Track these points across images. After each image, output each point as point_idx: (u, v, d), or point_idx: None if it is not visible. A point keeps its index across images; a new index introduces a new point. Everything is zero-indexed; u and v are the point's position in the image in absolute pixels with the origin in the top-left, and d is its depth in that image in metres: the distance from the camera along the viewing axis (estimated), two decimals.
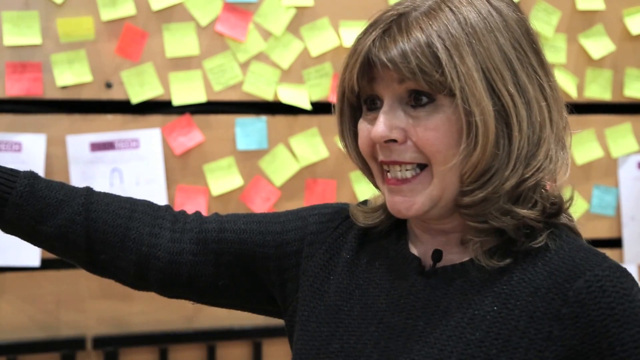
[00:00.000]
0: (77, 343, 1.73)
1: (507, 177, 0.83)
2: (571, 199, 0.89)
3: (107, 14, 1.76)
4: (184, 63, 1.81)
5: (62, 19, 1.74)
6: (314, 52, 1.86)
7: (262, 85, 1.85)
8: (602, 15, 2.01)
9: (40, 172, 1.70)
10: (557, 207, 0.87)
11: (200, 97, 1.81)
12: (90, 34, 1.75)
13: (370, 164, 0.90)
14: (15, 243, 1.68)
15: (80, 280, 1.76)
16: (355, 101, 0.90)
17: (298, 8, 1.86)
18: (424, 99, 0.82)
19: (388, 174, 0.87)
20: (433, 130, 0.82)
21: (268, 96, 1.85)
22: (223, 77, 1.83)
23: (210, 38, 1.82)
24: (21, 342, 1.71)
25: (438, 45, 0.80)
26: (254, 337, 1.82)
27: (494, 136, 0.81)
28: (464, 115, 0.81)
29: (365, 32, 0.86)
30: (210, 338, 1.80)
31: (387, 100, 0.85)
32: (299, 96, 1.85)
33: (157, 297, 1.81)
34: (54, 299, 1.75)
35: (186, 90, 1.81)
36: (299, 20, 1.86)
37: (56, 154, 1.74)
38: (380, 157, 0.86)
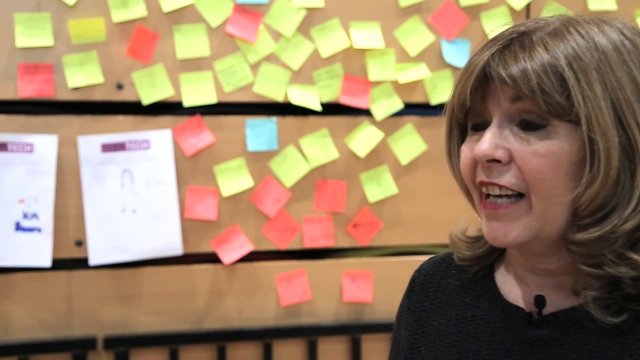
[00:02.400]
0: (88, 343, 1.74)
1: (627, 216, 0.76)
2: None
3: (118, 16, 1.77)
4: (194, 64, 1.81)
5: (74, 21, 1.74)
6: (325, 53, 1.86)
7: (272, 86, 1.85)
8: (614, 15, 2.00)
9: (52, 173, 1.71)
10: None
11: (211, 98, 1.82)
12: (101, 35, 1.76)
13: (470, 188, 0.86)
14: (27, 244, 1.70)
15: (91, 280, 1.77)
16: (463, 120, 0.85)
17: (308, 9, 1.86)
18: (537, 124, 0.77)
19: (487, 198, 0.82)
20: (543, 156, 0.76)
21: (278, 97, 1.85)
22: (233, 78, 1.83)
23: (221, 39, 1.82)
24: (32, 343, 1.72)
25: (565, 66, 0.75)
26: (264, 337, 1.82)
27: (617, 169, 0.75)
28: (588, 144, 0.75)
29: (484, 47, 0.82)
30: (221, 339, 1.80)
31: (496, 119, 0.80)
32: (309, 97, 1.85)
33: (167, 298, 1.83)
34: (65, 300, 1.76)
35: (197, 91, 1.81)
36: (310, 21, 1.86)
37: (67, 154, 1.75)
38: (480, 177, 0.82)
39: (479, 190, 0.83)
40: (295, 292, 1.85)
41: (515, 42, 0.79)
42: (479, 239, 0.94)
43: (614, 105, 0.75)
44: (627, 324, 0.78)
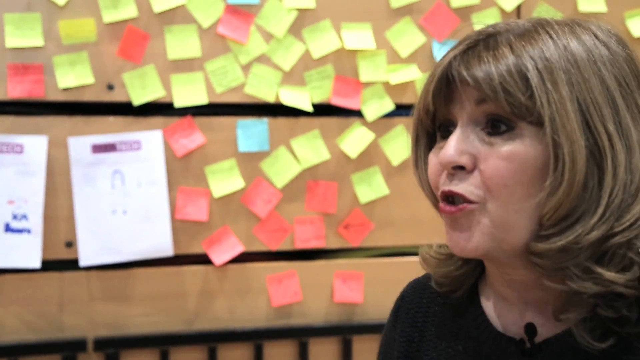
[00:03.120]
0: (78, 345, 1.73)
1: (592, 226, 0.71)
2: None
3: (109, 16, 1.76)
4: (185, 65, 1.81)
5: (64, 21, 1.74)
6: (316, 54, 1.87)
7: (263, 87, 1.85)
8: (603, 17, 2.01)
9: (42, 174, 1.71)
10: None
11: (202, 99, 1.81)
12: (92, 35, 1.76)
13: (438, 196, 0.81)
14: (16, 245, 1.69)
15: (81, 281, 1.76)
16: (430, 127, 0.82)
17: (300, 10, 1.86)
18: (503, 127, 0.73)
19: (445, 203, 0.78)
20: (506, 159, 0.72)
21: (269, 98, 1.85)
22: (225, 79, 1.83)
23: (212, 40, 1.82)
24: (22, 344, 1.71)
25: (529, 65, 0.72)
26: (255, 339, 1.82)
27: (583, 175, 0.71)
28: (552, 148, 0.71)
29: (449, 50, 0.78)
30: (211, 340, 1.80)
31: (460, 122, 0.76)
32: (301, 98, 1.85)
33: (157, 299, 1.82)
34: (55, 301, 1.75)
35: (188, 92, 1.81)
36: (301, 22, 1.86)
37: (58, 155, 1.74)
38: (441, 188, 0.78)
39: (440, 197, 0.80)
40: (286, 293, 1.85)
41: (481, 43, 0.76)
42: (452, 255, 0.89)
43: (581, 107, 0.71)
44: (618, 349, 0.73)
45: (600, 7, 2.01)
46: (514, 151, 0.72)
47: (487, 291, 0.88)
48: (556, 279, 0.73)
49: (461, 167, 0.76)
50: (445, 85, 0.77)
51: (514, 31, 0.76)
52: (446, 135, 0.79)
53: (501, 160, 0.73)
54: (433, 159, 0.80)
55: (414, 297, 0.96)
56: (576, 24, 0.78)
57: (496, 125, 0.74)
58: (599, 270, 0.71)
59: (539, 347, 0.79)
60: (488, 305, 0.87)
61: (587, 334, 0.74)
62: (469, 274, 0.88)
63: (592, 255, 0.72)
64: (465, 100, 0.76)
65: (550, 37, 0.74)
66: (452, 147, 0.75)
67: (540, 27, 0.76)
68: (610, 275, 0.70)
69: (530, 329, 0.79)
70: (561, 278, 0.73)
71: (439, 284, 0.91)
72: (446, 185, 0.77)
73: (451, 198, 0.77)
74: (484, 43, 0.76)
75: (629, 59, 0.77)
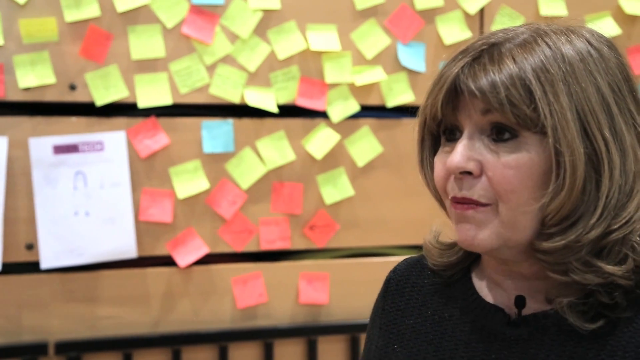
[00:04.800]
0: (39, 348, 1.71)
1: (592, 225, 0.77)
2: None
3: (71, 15, 1.74)
4: (149, 65, 1.80)
5: (25, 20, 1.71)
6: (281, 56, 1.86)
7: (228, 88, 1.84)
8: (564, 21, 2.04)
9: (2, 175, 1.68)
10: None
11: (166, 100, 1.80)
12: (53, 35, 1.73)
13: (444, 199, 0.86)
14: None
15: (42, 284, 1.73)
16: (435, 130, 0.86)
17: (265, 11, 1.86)
18: (507, 135, 0.78)
19: (456, 203, 0.82)
20: (513, 168, 0.78)
21: (235, 99, 1.84)
22: (189, 79, 1.82)
23: (177, 40, 1.81)
24: None
25: (532, 79, 0.77)
26: (220, 340, 1.81)
27: (582, 180, 0.76)
28: (554, 156, 0.76)
29: (454, 59, 0.83)
30: (176, 342, 1.79)
31: (467, 130, 0.81)
32: (266, 99, 1.85)
33: (121, 301, 1.80)
34: (15, 304, 1.72)
35: (152, 92, 1.79)
36: (266, 23, 1.86)
37: (18, 156, 1.71)
38: (451, 193, 0.83)
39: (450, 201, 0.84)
40: (252, 294, 1.85)
41: (485, 54, 0.80)
42: (452, 245, 0.95)
43: (580, 116, 0.77)
44: (605, 330, 0.79)
45: (561, 10, 2.04)
46: (520, 160, 0.78)
47: (479, 274, 0.93)
48: (559, 271, 0.79)
49: (468, 173, 0.80)
50: (453, 95, 0.81)
51: (514, 41, 0.81)
52: (451, 138, 0.84)
53: (508, 169, 0.78)
54: (439, 163, 0.85)
55: (405, 270, 1.01)
56: (570, 31, 0.83)
57: (501, 132, 0.79)
58: (599, 263, 0.77)
59: (524, 319, 0.83)
60: (479, 283, 0.92)
61: (578, 316, 0.79)
62: (465, 259, 0.94)
63: (592, 250, 0.78)
64: (471, 110, 0.80)
65: (549, 46, 0.79)
66: (460, 154, 0.80)
67: (539, 36, 0.81)
68: (609, 268, 0.77)
69: (519, 300, 0.84)
70: (564, 271, 0.79)
71: (435, 264, 0.96)
72: (457, 192, 0.82)
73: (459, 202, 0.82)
74: (488, 54, 0.80)
75: (619, 64, 0.83)
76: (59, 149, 1.73)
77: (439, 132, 0.86)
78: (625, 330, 0.78)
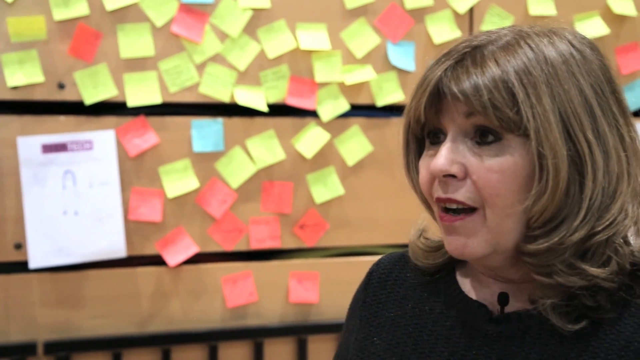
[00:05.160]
0: (27, 349, 1.70)
1: (575, 227, 0.77)
2: None
3: (59, 14, 1.73)
4: (138, 64, 1.79)
5: (13, 18, 1.70)
6: (271, 54, 1.86)
7: (218, 87, 1.83)
8: (553, 20, 2.05)
9: None
10: (638, 266, 0.80)
11: (156, 99, 1.79)
12: (42, 33, 1.72)
13: (430, 202, 0.86)
14: None
15: (31, 284, 1.72)
16: (420, 133, 0.86)
17: (255, 10, 1.86)
18: (491, 137, 0.78)
19: (445, 213, 0.82)
20: (497, 172, 0.78)
21: (224, 98, 1.84)
22: (179, 78, 1.81)
23: (166, 39, 1.80)
24: None
25: (515, 81, 0.76)
26: (210, 340, 1.81)
27: (565, 182, 0.76)
28: (537, 158, 0.76)
29: (437, 62, 0.82)
30: (165, 342, 1.78)
31: (451, 134, 0.81)
32: (256, 98, 1.85)
33: (110, 300, 1.80)
34: (3, 304, 1.71)
35: (141, 91, 1.79)
36: (256, 22, 1.86)
37: (7, 155, 1.71)
38: (436, 194, 0.83)
39: (437, 205, 0.84)
40: (242, 293, 1.85)
41: (468, 57, 0.80)
42: (439, 247, 0.94)
43: (563, 118, 0.77)
44: (588, 330, 0.79)
45: (550, 10, 2.05)
46: (504, 164, 0.77)
47: (464, 272, 0.93)
48: (543, 273, 0.79)
49: (452, 176, 0.80)
50: (437, 98, 0.81)
51: (497, 43, 0.80)
52: (435, 141, 0.84)
53: (492, 173, 0.78)
54: (423, 166, 0.85)
55: (389, 263, 1.01)
56: (553, 33, 0.83)
57: (484, 135, 0.79)
58: (583, 266, 0.77)
59: (507, 316, 0.83)
60: (463, 279, 0.92)
61: (560, 317, 0.79)
62: (451, 260, 0.93)
63: (576, 252, 0.78)
64: (455, 113, 0.80)
65: (531, 49, 0.79)
66: (443, 157, 0.80)
67: (521, 38, 0.81)
68: (593, 270, 0.77)
69: (503, 297, 0.84)
70: (548, 273, 0.79)
71: (422, 265, 0.96)
72: (442, 193, 0.82)
73: (445, 205, 0.82)
74: (471, 57, 0.80)
75: (602, 65, 0.83)
76: (48, 148, 1.72)
77: (423, 135, 0.86)
78: (608, 332, 0.78)
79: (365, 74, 1.91)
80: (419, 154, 0.88)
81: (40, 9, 1.72)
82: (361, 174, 1.94)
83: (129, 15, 1.78)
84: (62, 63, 1.74)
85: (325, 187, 1.90)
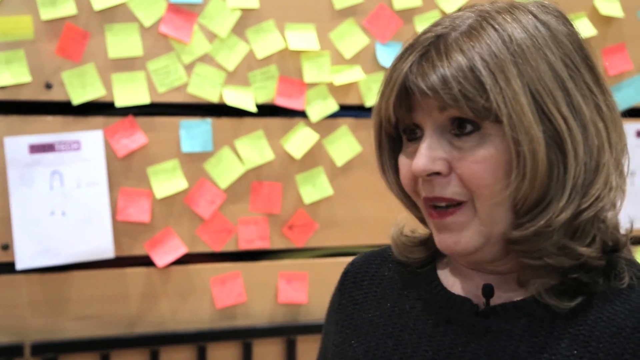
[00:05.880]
0: (14, 350, 1.69)
1: (561, 208, 0.74)
2: (631, 231, 0.82)
3: (46, 13, 1.72)
4: (127, 64, 1.78)
5: (0, 18, 1.69)
6: (260, 55, 1.86)
7: (207, 87, 1.83)
8: None
9: None
10: (617, 242, 0.79)
11: (144, 99, 1.79)
12: (29, 33, 1.71)
13: (415, 200, 0.83)
14: None
15: (18, 285, 1.71)
16: (393, 132, 0.83)
17: (243, 10, 1.85)
18: (469, 127, 0.75)
19: (433, 209, 0.80)
20: (480, 162, 0.75)
21: (213, 98, 1.83)
22: (167, 78, 1.81)
23: (154, 39, 1.80)
24: None
25: (482, 68, 0.73)
26: (199, 340, 1.80)
27: (546, 166, 0.74)
28: (513, 144, 0.74)
29: (401, 57, 0.79)
30: (154, 343, 1.78)
31: (428, 130, 0.78)
32: (245, 98, 1.84)
33: (98, 301, 1.79)
34: None
35: (129, 91, 1.78)
36: (245, 22, 1.86)
37: None
38: (423, 194, 0.80)
39: (424, 202, 0.81)
40: (230, 294, 1.84)
41: (432, 48, 0.77)
42: (424, 242, 0.92)
43: (535, 97, 0.74)
44: (578, 312, 0.77)
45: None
46: (486, 153, 0.75)
47: (445, 265, 0.90)
48: (535, 257, 0.77)
49: (437, 173, 0.78)
50: (405, 96, 0.78)
51: (460, 29, 0.77)
52: (412, 137, 0.81)
53: (476, 164, 0.75)
54: (404, 164, 0.82)
55: (364, 262, 0.98)
56: (515, 8, 0.80)
57: (462, 126, 0.76)
58: (572, 245, 0.75)
59: (493, 309, 0.80)
60: (444, 274, 0.89)
61: (556, 296, 0.77)
62: (436, 252, 0.90)
63: (565, 233, 0.76)
64: (427, 109, 0.77)
65: (495, 29, 0.76)
66: (424, 156, 0.77)
67: (484, 19, 0.78)
68: (582, 249, 0.75)
69: (487, 289, 0.81)
70: (538, 256, 0.77)
71: (406, 260, 0.93)
72: (429, 192, 0.79)
73: (431, 203, 0.80)
74: (435, 49, 0.77)
75: (570, 33, 0.80)
76: (35, 149, 1.71)
77: (397, 134, 0.83)
78: (598, 320, 0.76)
79: (354, 74, 1.91)
80: (394, 152, 0.85)
81: (27, 8, 1.71)
82: (350, 175, 1.94)
83: (117, 15, 1.77)
84: (49, 63, 1.73)
85: (314, 188, 1.90)
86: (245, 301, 1.86)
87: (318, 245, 1.92)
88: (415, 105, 0.78)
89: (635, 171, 2.12)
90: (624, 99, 2.12)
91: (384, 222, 1.97)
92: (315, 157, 1.91)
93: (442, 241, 0.80)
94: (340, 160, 1.92)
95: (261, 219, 1.87)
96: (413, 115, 0.79)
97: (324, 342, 1.00)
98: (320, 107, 1.90)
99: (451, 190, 0.77)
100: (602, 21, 2.09)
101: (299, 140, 1.88)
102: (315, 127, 1.90)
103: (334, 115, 1.92)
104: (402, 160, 0.82)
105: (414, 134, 0.80)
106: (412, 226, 0.95)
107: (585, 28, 2.05)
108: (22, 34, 1.71)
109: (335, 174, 1.93)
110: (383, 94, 0.81)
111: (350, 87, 1.93)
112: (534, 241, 0.76)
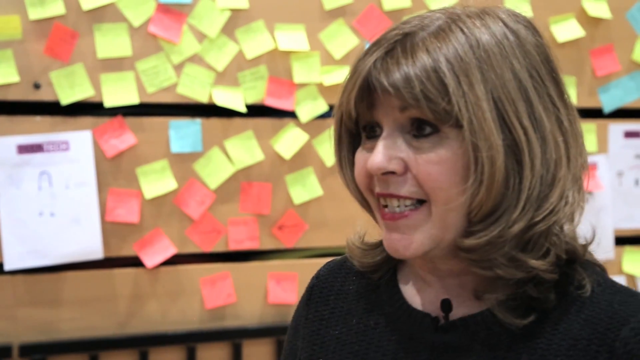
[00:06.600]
0: (2, 351, 1.68)
1: (514, 219, 0.74)
2: (591, 241, 0.80)
3: (35, 13, 1.71)
4: (116, 64, 1.78)
5: None
6: (249, 55, 1.86)
7: (196, 88, 1.83)
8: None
9: None
10: (574, 252, 0.78)
11: (133, 99, 1.78)
12: (17, 33, 1.70)
13: (367, 197, 0.82)
14: None
15: (6, 286, 1.71)
16: (353, 128, 0.82)
17: (233, 10, 1.85)
18: (428, 129, 0.74)
19: (385, 208, 0.78)
20: (437, 164, 0.74)
21: (202, 98, 1.83)
22: (156, 78, 1.80)
23: (143, 39, 1.79)
24: None
25: (445, 70, 0.72)
26: (188, 341, 1.80)
27: (503, 175, 0.73)
28: (472, 150, 0.73)
29: (367, 52, 0.78)
30: (143, 343, 1.77)
31: (387, 129, 0.77)
32: (234, 99, 1.84)
33: (87, 302, 1.78)
34: None
35: (118, 91, 1.77)
36: (234, 22, 1.85)
37: None
38: (377, 190, 0.79)
39: (377, 200, 0.80)
40: (220, 294, 1.84)
41: (398, 46, 0.76)
42: (377, 245, 0.91)
43: (497, 105, 0.73)
44: (536, 325, 0.77)
45: (526, 12, 2.06)
46: (443, 156, 0.74)
47: (406, 272, 0.89)
48: (484, 267, 0.76)
49: (392, 172, 0.76)
50: (367, 92, 0.77)
51: (429, 29, 0.76)
52: (372, 135, 0.79)
53: (432, 165, 0.74)
54: (360, 159, 0.80)
55: (329, 276, 0.98)
56: (486, 13, 0.79)
57: (421, 128, 0.75)
58: (523, 258, 0.74)
59: (453, 324, 0.80)
60: (405, 286, 0.88)
61: (509, 312, 0.76)
62: (392, 258, 0.89)
63: (517, 244, 0.75)
64: (388, 107, 0.76)
65: (463, 33, 0.75)
66: (380, 154, 0.76)
67: (453, 22, 0.77)
68: (533, 262, 0.74)
69: (446, 304, 0.81)
70: (489, 266, 0.76)
71: (361, 265, 0.92)
72: (384, 189, 0.78)
73: (383, 200, 0.79)
74: (401, 46, 0.75)
75: (538, 44, 0.79)
76: (23, 149, 1.70)
77: (357, 130, 0.82)
78: (556, 331, 0.76)
79: (343, 74, 1.92)
80: (353, 148, 0.83)
81: (15, 8, 1.71)
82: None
83: (106, 15, 1.77)
84: (37, 63, 1.72)
85: (304, 188, 1.90)
86: (235, 302, 1.86)
87: (308, 246, 1.92)
88: (377, 102, 0.77)
89: (623, 171, 2.14)
90: (611, 100, 2.13)
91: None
92: (305, 158, 1.91)
93: (391, 243, 0.79)
94: (330, 160, 1.92)
95: (251, 219, 1.87)
96: (374, 113, 0.78)
97: (288, 354, 0.98)
98: (310, 107, 1.90)
99: (407, 189, 0.76)
100: (590, 22, 2.10)
101: (289, 140, 1.88)
102: (305, 127, 1.90)
103: (323, 116, 1.92)
104: (359, 156, 0.81)
105: (373, 132, 0.79)
106: (372, 233, 0.94)
107: (573, 29, 2.06)
108: (10, 34, 1.70)
109: (325, 174, 1.93)
110: (345, 88, 0.79)
111: (340, 87, 1.93)
112: (484, 251, 0.75)
